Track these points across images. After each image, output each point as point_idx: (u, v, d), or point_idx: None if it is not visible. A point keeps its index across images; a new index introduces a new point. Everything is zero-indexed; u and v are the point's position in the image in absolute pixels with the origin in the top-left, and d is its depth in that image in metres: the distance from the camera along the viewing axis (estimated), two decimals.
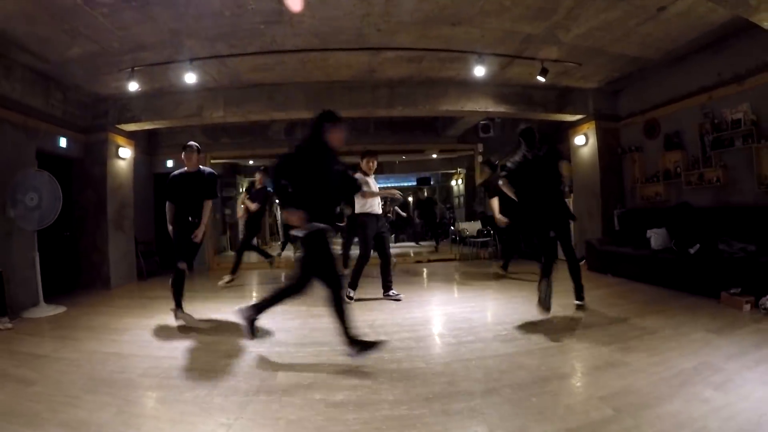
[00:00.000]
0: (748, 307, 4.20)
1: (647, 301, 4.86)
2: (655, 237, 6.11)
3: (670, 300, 4.83)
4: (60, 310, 5.46)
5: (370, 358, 3.25)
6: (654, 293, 5.24)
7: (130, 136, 7.78)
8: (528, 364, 3.12)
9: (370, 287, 5.80)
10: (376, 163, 5.57)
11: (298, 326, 4.36)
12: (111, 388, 2.94)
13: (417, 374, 3.02)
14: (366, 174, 5.43)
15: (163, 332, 4.34)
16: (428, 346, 3.68)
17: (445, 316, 4.62)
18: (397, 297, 5.42)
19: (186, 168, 4.82)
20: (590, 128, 7.82)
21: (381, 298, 5.44)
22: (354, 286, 5.35)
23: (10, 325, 4.69)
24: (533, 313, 4.32)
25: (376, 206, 5.39)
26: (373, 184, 5.46)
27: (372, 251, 5.38)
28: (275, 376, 3.06)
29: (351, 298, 5.19)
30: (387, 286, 5.50)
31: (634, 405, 2.41)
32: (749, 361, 2.94)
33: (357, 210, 5.41)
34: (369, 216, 5.32)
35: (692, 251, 5.32)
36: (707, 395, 2.48)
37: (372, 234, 5.30)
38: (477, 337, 3.83)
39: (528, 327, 4.05)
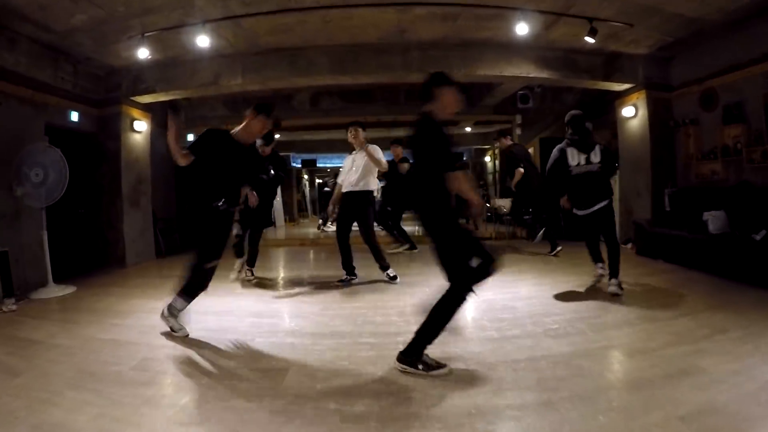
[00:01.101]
0: None
1: (709, 293, 4.34)
2: (713, 220, 5.53)
3: (734, 293, 4.30)
4: (69, 290, 5.25)
5: (394, 353, 2.79)
6: (714, 284, 4.69)
7: (146, 108, 7.45)
8: (588, 368, 2.61)
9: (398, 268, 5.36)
10: (361, 133, 5.11)
11: (318, 312, 3.95)
12: (98, 384, 2.60)
13: (455, 379, 2.54)
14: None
15: None
16: (467, 341, 3.15)
17: (485, 303, 4.03)
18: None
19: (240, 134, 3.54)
20: (640, 98, 7.15)
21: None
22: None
23: (14, 307, 4.50)
24: (584, 302, 3.81)
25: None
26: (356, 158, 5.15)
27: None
28: (284, 376, 2.63)
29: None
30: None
31: (725, 430, 1.93)
32: None
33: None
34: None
35: (758, 237, 4.76)
36: None
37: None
38: (524, 331, 3.34)
39: (581, 320, 3.53)
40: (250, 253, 5.59)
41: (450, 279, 2.57)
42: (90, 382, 2.63)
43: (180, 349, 3.12)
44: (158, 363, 2.89)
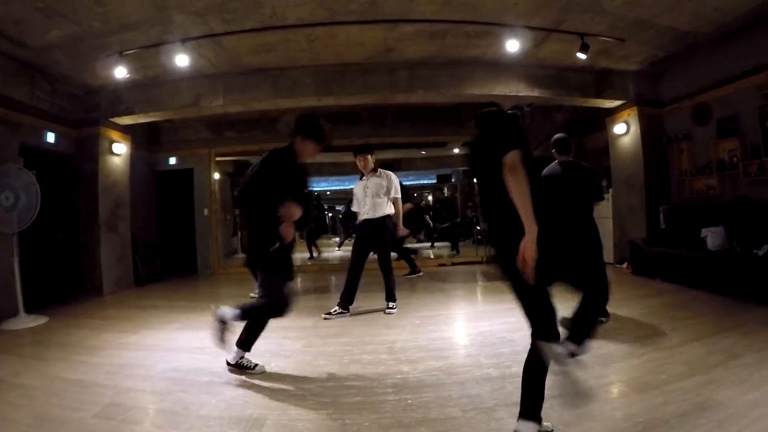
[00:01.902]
0: None
1: (714, 314, 4.16)
2: (712, 236, 5.44)
3: (740, 312, 4.13)
4: (41, 321, 4.99)
5: (387, 399, 2.53)
6: (718, 303, 4.53)
7: (126, 130, 7.23)
8: (598, 410, 2.36)
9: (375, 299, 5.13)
10: (371, 160, 5.00)
11: (301, 349, 3.67)
12: None
13: (452, 426, 2.30)
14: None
15: (139, 354, 3.70)
16: (463, 383, 2.86)
17: (480, 336, 3.79)
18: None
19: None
20: (631, 115, 7.10)
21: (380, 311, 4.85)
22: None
23: None
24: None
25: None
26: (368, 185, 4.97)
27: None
28: (260, 429, 2.34)
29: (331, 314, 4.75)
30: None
31: None
32: None
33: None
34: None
35: (761, 253, 4.64)
36: None
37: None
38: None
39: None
40: None
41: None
42: (47, 431, 2.35)
43: (148, 394, 2.83)
44: (123, 410, 2.59)
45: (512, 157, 1.88)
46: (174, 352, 3.57)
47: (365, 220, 4.87)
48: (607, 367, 2.99)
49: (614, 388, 2.70)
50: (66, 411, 2.61)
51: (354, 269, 4.80)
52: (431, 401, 2.47)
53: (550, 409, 2.36)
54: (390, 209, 4.91)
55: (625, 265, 6.80)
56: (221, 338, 2.94)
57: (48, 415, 2.56)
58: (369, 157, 4.96)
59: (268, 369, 3.19)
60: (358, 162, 4.99)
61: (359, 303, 4.93)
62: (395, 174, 5.10)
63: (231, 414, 2.51)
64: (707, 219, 5.71)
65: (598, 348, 3.33)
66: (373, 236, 4.84)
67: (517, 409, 2.14)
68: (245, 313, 3.03)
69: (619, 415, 2.32)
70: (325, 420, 2.41)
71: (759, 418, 2.17)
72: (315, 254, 10.62)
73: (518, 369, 2.94)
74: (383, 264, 4.88)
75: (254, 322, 3.12)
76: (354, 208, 5.15)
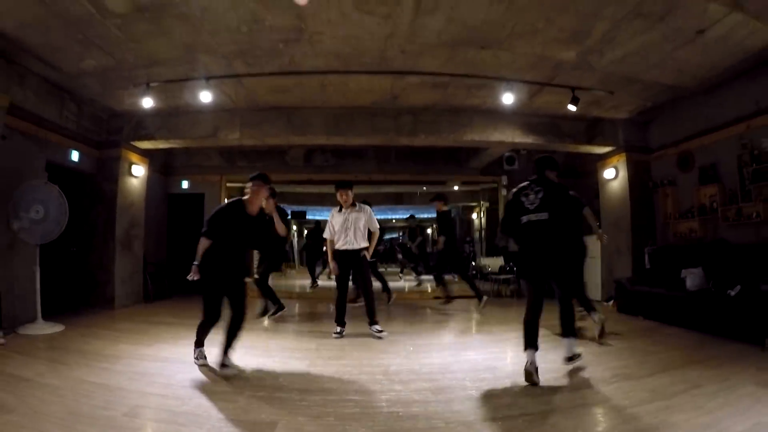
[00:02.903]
0: None
1: (686, 348, 4.49)
2: (691, 277, 5.72)
3: (711, 347, 4.47)
4: (58, 328, 5.30)
5: (382, 411, 2.88)
6: (692, 339, 4.86)
7: (145, 154, 7.69)
8: (564, 427, 2.71)
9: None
10: (351, 195, 5.37)
11: (305, 368, 4.02)
12: (90, 428, 2.64)
13: None
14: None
15: (157, 364, 4.03)
16: (448, 401, 3.22)
17: (467, 363, 4.16)
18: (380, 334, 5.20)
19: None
20: (620, 161, 7.53)
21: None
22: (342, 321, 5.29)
23: (2, 341, 4.56)
24: (562, 362, 3.93)
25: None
26: (349, 218, 5.34)
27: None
28: (273, 430, 2.69)
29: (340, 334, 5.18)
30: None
31: None
32: None
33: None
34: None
35: (732, 293, 4.92)
36: None
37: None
38: (502, 389, 3.44)
39: (560, 378, 3.65)
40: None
41: None
42: (82, 425, 2.66)
43: (170, 399, 3.16)
44: (150, 411, 2.94)
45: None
46: (189, 365, 3.90)
47: (345, 251, 5.25)
48: (577, 392, 3.34)
49: (581, 410, 3.03)
50: (96, 409, 2.92)
51: (342, 294, 5.29)
52: (419, 414, 2.84)
53: (521, 426, 2.74)
54: (365, 242, 5.33)
55: (611, 303, 7.10)
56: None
57: (80, 412, 2.86)
58: (350, 192, 5.32)
59: (276, 383, 3.55)
60: (339, 196, 5.31)
61: (359, 329, 5.32)
62: (372, 209, 5.53)
63: (247, 417, 2.86)
64: (688, 260, 5.98)
65: (573, 376, 3.71)
66: (355, 265, 5.27)
67: (492, 426, 2.51)
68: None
69: (574, 426, 2.68)
70: (329, 425, 2.76)
71: None
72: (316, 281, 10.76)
73: (498, 391, 3.36)
74: (364, 289, 5.35)
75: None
76: (325, 236, 5.46)
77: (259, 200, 4.01)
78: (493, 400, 3.22)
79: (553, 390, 3.39)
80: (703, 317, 5.15)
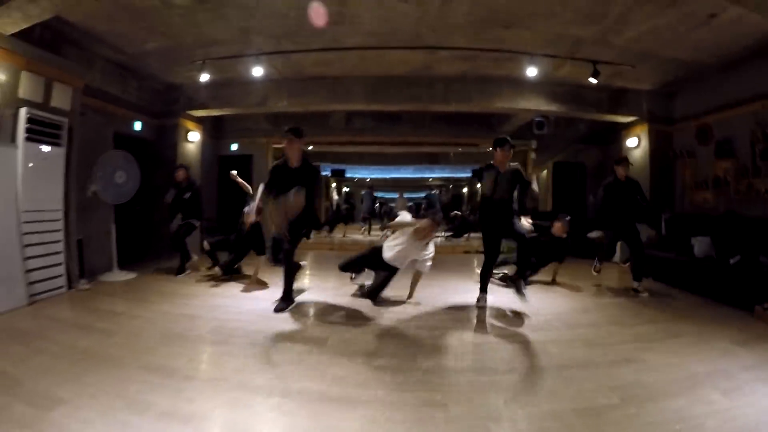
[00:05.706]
0: None
1: (680, 307, 4.91)
2: (699, 244, 6.00)
3: (704, 308, 4.84)
4: (131, 276, 6.00)
5: (409, 331, 3.75)
6: (689, 300, 5.24)
7: (199, 121, 8.43)
8: (551, 352, 3.42)
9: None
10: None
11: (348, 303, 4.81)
12: (183, 342, 3.47)
13: (449, 350, 3.46)
14: None
15: (228, 300, 4.85)
16: (463, 330, 4.02)
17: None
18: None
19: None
20: (643, 130, 7.78)
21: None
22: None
23: (88, 286, 5.19)
24: (572, 306, 4.74)
25: None
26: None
27: None
28: (326, 341, 3.55)
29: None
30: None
31: (640, 397, 2.63)
32: (764, 374, 2.98)
33: None
34: None
35: (732, 262, 5.26)
36: (713, 398, 2.61)
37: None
38: (513, 326, 4.17)
39: (559, 318, 4.36)
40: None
41: None
42: (176, 340, 3.49)
43: (243, 323, 3.99)
44: (229, 330, 3.78)
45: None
46: (253, 300, 4.79)
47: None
48: (572, 330, 4.01)
49: (571, 342, 3.68)
50: (185, 331, 3.75)
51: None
52: (438, 336, 3.67)
53: (521, 349, 3.50)
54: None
55: (627, 264, 7.53)
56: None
57: (171, 333, 3.67)
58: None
59: (322, 318, 4.40)
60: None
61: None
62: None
63: (303, 335, 3.77)
64: (700, 229, 6.22)
65: (572, 318, 4.39)
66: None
67: (496, 347, 3.36)
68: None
69: (560, 352, 3.40)
70: (367, 341, 3.54)
71: (668, 373, 2.99)
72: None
73: (505, 324, 4.13)
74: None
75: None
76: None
77: (294, 153, 4.33)
78: (500, 330, 4.01)
79: (552, 328, 4.09)
80: (705, 282, 5.45)
